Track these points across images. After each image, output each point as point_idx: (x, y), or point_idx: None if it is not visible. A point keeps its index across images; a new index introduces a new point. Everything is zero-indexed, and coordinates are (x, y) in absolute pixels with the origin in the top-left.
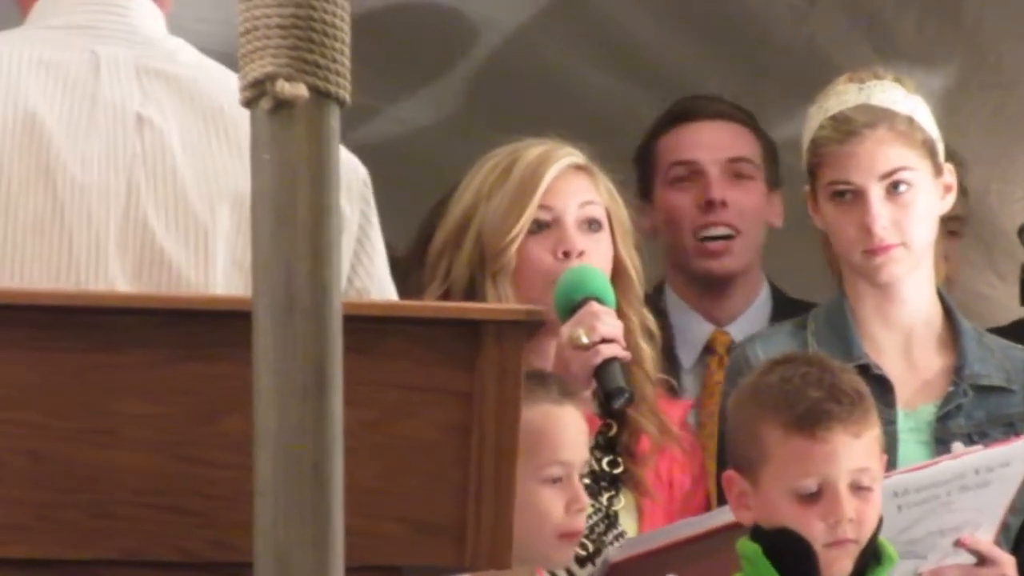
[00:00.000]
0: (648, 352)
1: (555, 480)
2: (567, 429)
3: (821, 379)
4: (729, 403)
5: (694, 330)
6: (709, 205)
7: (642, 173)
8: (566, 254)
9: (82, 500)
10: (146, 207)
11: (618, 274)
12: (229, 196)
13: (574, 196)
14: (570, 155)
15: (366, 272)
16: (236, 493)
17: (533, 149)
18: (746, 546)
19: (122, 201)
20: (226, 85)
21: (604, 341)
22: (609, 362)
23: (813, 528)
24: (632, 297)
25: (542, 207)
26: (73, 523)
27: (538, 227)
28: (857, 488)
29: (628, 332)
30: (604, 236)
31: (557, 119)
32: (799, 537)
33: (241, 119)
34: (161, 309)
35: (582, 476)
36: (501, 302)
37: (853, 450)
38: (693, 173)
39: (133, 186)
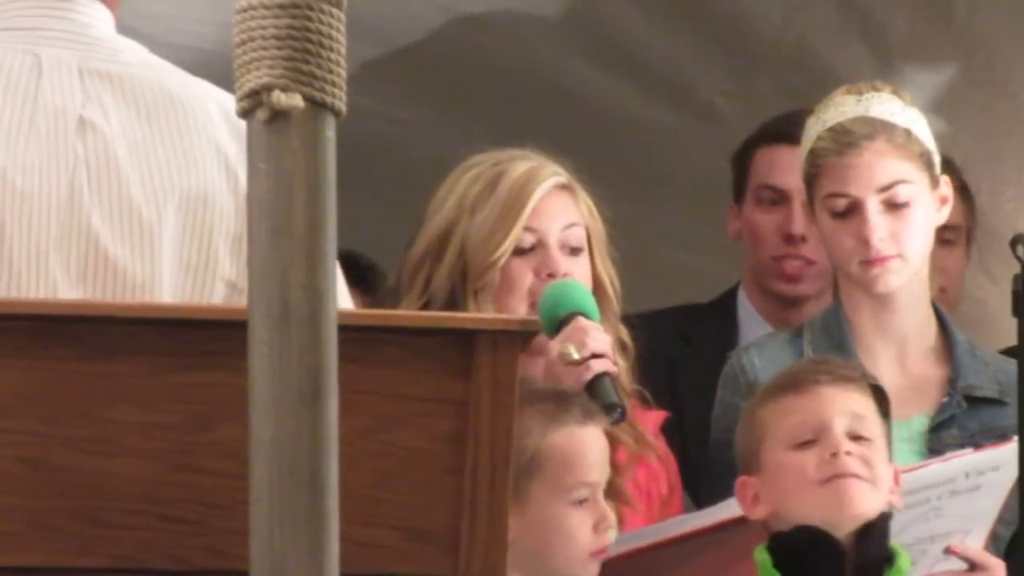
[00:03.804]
0: (623, 365)
1: (582, 501)
2: (591, 450)
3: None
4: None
5: None
6: (789, 238)
7: (737, 176)
8: (550, 275)
9: (77, 508)
10: (90, 211)
11: (596, 291)
12: (175, 196)
13: (558, 218)
14: (555, 174)
15: None
16: (231, 501)
17: (519, 165)
18: (760, 554)
19: (64, 206)
20: (173, 83)
21: (594, 356)
22: (600, 377)
23: (807, 469)
24: (609, 313)
25: (527, 229)
26: (68, 531)
27: (522, 248)
28: (855, 437)
29: None
30: (584, 257)
31: (546, 115)
32: (821, 532)
33: (190, 116)
34: (156, 318)
35: None
36: None
37: (843, 398)
38: (782, 199)
39: (76, 190)
